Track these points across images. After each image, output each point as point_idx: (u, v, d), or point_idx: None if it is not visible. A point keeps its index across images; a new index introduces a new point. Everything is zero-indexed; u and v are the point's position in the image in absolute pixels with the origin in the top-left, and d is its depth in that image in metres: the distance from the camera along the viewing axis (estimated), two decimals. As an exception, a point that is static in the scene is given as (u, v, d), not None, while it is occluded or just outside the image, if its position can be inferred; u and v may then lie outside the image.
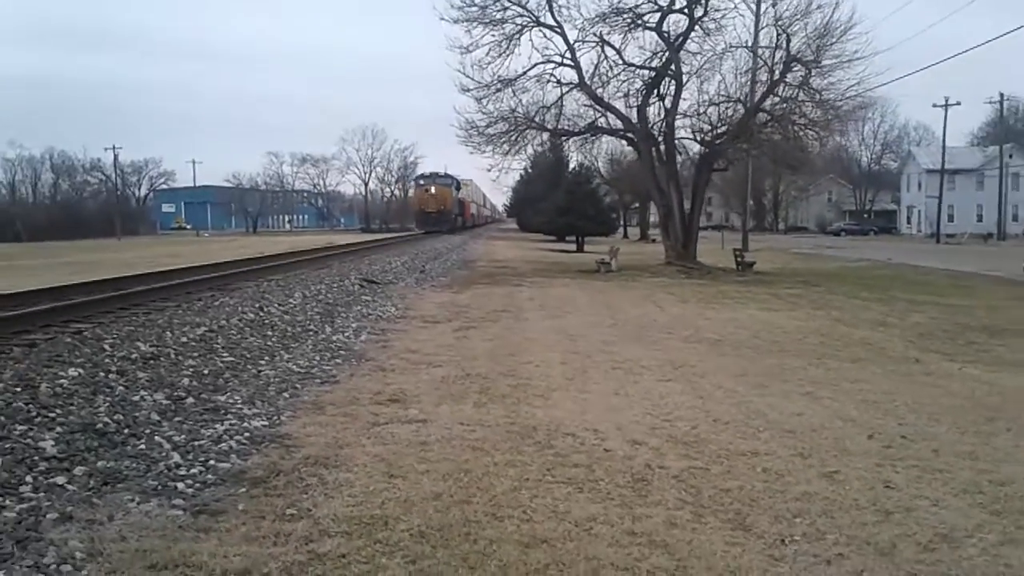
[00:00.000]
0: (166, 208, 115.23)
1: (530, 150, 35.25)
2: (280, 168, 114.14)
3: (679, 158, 30.99)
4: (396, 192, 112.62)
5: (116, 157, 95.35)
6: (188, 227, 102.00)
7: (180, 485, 5.11)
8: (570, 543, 4.40)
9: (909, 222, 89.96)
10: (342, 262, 24.96)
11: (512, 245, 51.37)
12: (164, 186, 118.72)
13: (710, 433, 6.74)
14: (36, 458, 5.30)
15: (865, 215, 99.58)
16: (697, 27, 27.01)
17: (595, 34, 27.30)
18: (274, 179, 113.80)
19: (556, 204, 49.03)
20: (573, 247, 47.55)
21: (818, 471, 5.78)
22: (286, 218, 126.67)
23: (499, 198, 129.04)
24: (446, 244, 43.99)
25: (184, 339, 9.42)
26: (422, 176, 72.87)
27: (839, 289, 21.50)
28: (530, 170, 67.09)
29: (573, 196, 47.00)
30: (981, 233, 71.70)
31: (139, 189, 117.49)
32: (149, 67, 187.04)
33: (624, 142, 35.74)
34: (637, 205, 76.23)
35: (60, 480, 5.04)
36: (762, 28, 27.94)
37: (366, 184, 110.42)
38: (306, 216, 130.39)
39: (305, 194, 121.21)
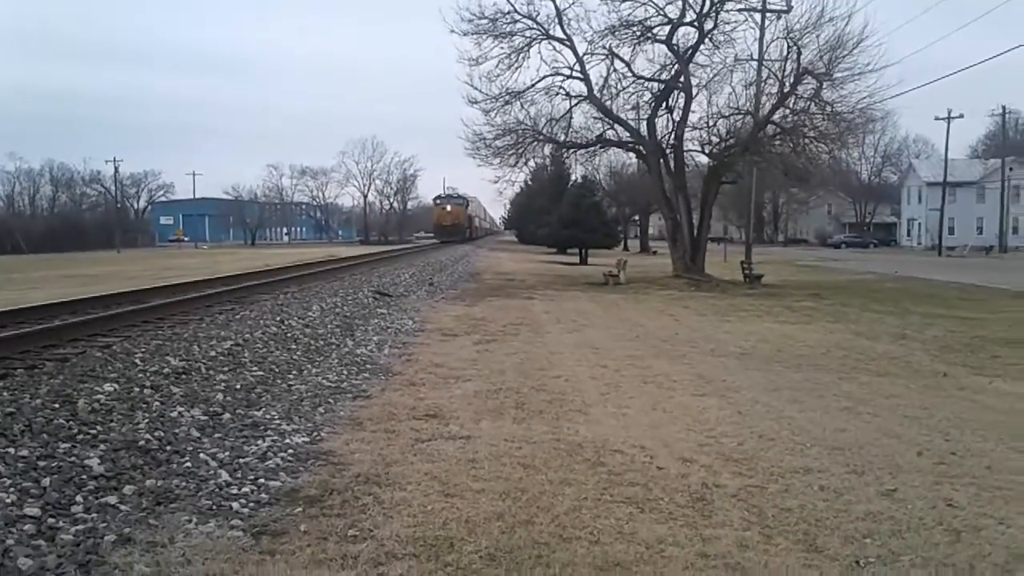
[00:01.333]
0: (164, 220, 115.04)
1: (532, 163, 35.25)
2: (279, 180, 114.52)
3: (687, 170, 30.91)
4: (395, 204, 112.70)
5: (116, 169, 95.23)
6: (185, 239, 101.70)
7: (235, 505, 4.99)
8: (645, 567, 4.27)
9: (909, 235, 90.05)
10: (352, 275, 24.82)
11: (515, 257, 51.22)
12: (163, 198, 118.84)
13: (758, 450, 6.64)
14: (84, 477, 5.18)
15: (865, 228, 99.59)
16: (707, 40, 27.01)
17: (604, 47, 27.35)
18: (273, 191, 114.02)
19: (560, 216, 48.95)
20: (575, 259, 47.50)
21: (876, 489, 5.68)
22: (284, 230, 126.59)
23: (495, 211, 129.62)
24: (450, 256, 43.85)
25: (212, 353, 9.29)
26: (439, 196, 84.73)
27: (851, 302, 21.41)
28: (530, 182, 67.27)
29: (577, 208, 46.94)
30: (982, 245, 71.79)
31: (138, 201, 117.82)
32: (151, 80, 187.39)
33: (627, 154, 35.71)
34: (637, 217, 76.48)
35: (111, 500, 4.92)
36: (773, 40, 27.90)
37: (365, 196, 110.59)
38: (304, 228, 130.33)
39: (304, 206, 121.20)
